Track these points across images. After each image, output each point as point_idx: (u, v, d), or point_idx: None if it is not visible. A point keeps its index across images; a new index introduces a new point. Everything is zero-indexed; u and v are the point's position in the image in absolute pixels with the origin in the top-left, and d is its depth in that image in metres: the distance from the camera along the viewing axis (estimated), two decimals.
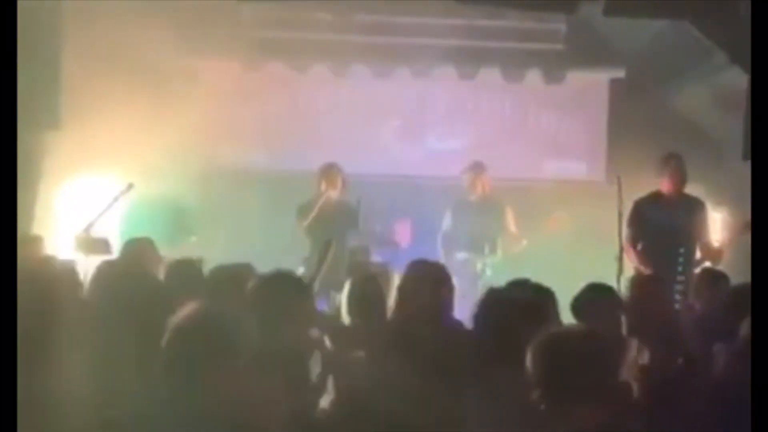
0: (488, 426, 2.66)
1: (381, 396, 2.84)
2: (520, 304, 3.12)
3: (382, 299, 4.13)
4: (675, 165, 6.24)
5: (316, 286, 4.63)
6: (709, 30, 6.54)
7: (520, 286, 3.41)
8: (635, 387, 2.73)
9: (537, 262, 6.69)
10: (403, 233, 8.21)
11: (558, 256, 7.26)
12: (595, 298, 4.08)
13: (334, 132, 8.54)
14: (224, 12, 7.72)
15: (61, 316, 2.99)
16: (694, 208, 6.30)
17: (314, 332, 3.77)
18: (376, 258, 6.92)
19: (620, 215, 5.98)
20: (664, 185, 6.25)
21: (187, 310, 2.47)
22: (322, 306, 4.69)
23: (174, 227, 6.69)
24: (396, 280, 5.00)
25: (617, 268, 5.80)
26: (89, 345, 2.92)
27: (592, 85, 8.84)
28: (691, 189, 6.42)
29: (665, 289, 5.26)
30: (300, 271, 6.51)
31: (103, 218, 6.25)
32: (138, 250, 5.32)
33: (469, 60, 8.43)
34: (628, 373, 2.55)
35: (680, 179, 6.23)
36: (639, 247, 6.18)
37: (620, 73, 8.59)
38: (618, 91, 8.66)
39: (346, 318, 4.12)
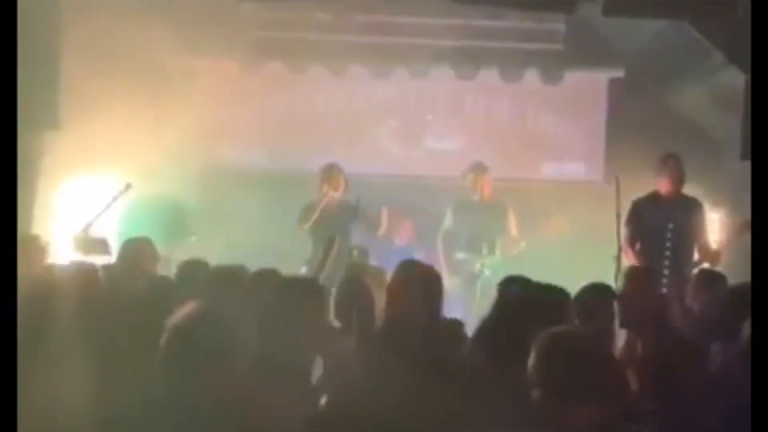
0: (496, 427, 2.67)
1: (371, 397, 2.85)
2: (536, 304, 3.13)
3: (367, 301, 4.12)
4: (673, 165, 6.25)
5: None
6: (708, 30, 6.54)
7: (538, 286, 3.42)
8: (634, 385, 2.73)
9: (535, 262, 6.68)
10: (401, 233, 8.21)
11: (556, 256, 7.26)
12: (594, 298, 4.08)
13: (333, 132, 8.55)
14: (223, 12, 7.72)
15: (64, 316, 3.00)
16: (692, 208, 6.31)
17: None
18: (375, 258, 6.91)
19: (618, 216, 5.98)
20: (662, 185, 6.25)
21: (185, 310, 2.47)
22: None
23: (173, 227, 6.68)
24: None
25: (615, 268, 5.80)
26: (90, 344, 2.92)
27: (590, 85, 8.84)
28: (690, 189, 6.43)
29: (658, 281, 5.29)
30: (302, 271, 6.53)
31: (102, 218, 6.25)
32: (137, 250, 5.32)
33: (468, 60, 8.43)
34: (627, 372, 2.55)
35: (678, 179, 6.23)
36: (637, 247, 6.19)
37: (619, 73, 8.60)
38: (617, 92, 8.67)
39: (334, 320, 4.12)
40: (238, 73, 8.38)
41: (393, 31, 8.39)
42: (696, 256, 6.22)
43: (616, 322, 4.07)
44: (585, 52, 8.40)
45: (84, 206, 6.71)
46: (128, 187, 6.44)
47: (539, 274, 4.68)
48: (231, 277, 4.15)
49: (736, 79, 6.33)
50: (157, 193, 6.88)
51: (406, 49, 8.30)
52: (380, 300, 4.01)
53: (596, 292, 4.17)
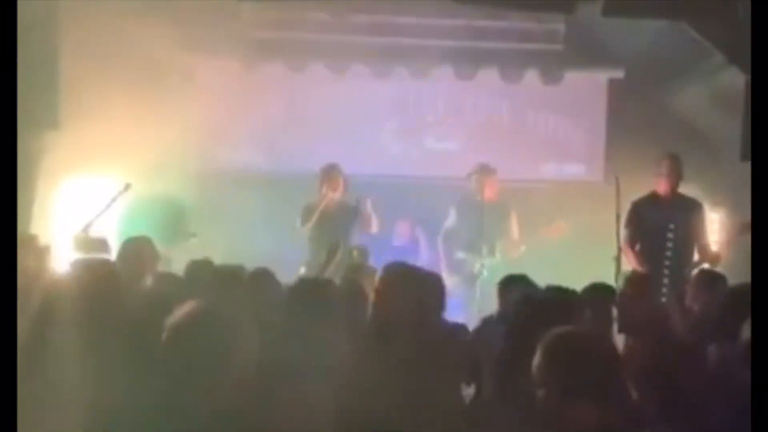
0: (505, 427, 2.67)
1: (363, 398, 2.85)
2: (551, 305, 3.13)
3: (363, 303, 4.12)
4: (671, 165, 6.25)
5: None
6: (708, 31, 6.55)
7: (553, 288, 3.42)
8: (636, 386, 2.73)
9: (535, 262, 6.68)
10: (401, 233, 8.22)
11: (556, 257, 7.26)
12: (596, 298, 4.09)
13: (332, 132, 8.54)
14: (223, 11, 7.71)
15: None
16: (691, 208, 6.31)
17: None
18: (375, 259, 6.91)
19: (618, 216, 5.98)
20: (660, 185, 6.26)
21: (184, 309, 2.47)
22: None
23: (172, 227, 6.68)
24: None
25: (615, 268, 5.80)
26: (90, 344, 2.91)
27: (590, 85, 8.85)
28: (690, 189, 6.43)
29: (657, 283, 5.30)
30: (301, 272, 6.53)
31: (102, 218, 6.25)
32: (137, 249, 5.32)
33: (468, 60, 8.44)
34: (629, 373, 2.56)
35: (676, 179, 6.24)
36: (637, 248, 6.19)
37: (619, 74, 8.60)
38: (616, 92, 8.67)
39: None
40: (238, 73, 8.38)
41: (393, 32, 8.39)
42: (696, 257, 6.22)
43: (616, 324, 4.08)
44: (585, 52, 8.41)
45: (83, 206, 6.71)
46: (128, 187, 6.44)
47: (539, 274, 4.70)
48: (230, 276, 4.16)
49: (736, 80, 6.33)
50: (157, 193, 6.88)
51: (406, 49, 8.31)
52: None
53: (598, 292, 4.17)
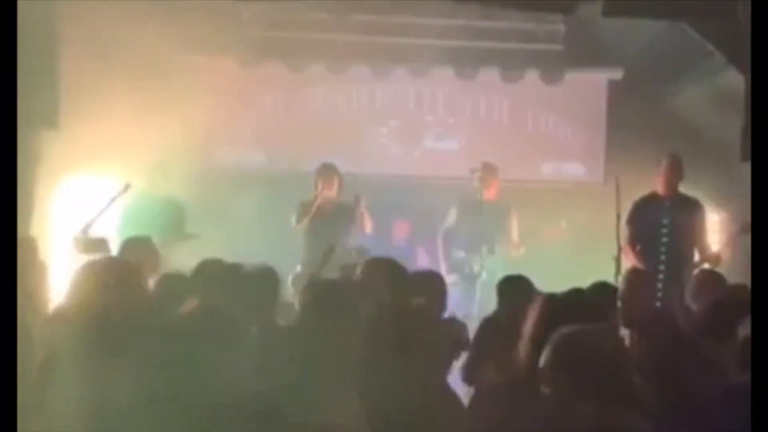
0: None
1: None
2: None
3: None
4: (671, 164, 6.26)
5: None
6: (707, 31, 6.55)
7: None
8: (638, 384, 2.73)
9: (535, 262, 6.69)
10: (400, 233, 8.22)
11: (556, 257, 7.27)
12: (599, 297, 4.08)
13: (332, 131, 8.54)
14: (223, 11, 7.71)
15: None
16: (690, 208, 6.32)
17: None
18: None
19: (618, 216, 5.99)
20: (660, 185, 6.26)
21: (185, 308, 2.47)
22: None
23: (172, 227, 6.68)
24: None
25: (615, 268, 5.80)
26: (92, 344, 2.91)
27: (590, 85, 8.85)
28: (689, 189, 6.43)
29: (653, 283, 5.31)
30: (297, 270, 6.53)
31: (101, 218, 6.25)
32: (137, 249, 5.32)
33: (468, 60, 8.44)
34: (632, 371, 2.56)
35: (677, 179, 6.25)
36: (638, 247, 6.19)
37: (619, 74, 8.60)
38: (616, 92, 8.67)
39: None
40: (237, 73, 8.38)
41: (393, 31, 8.39)
42: (696, 257, 6.22)
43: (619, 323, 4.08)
44: (585, 52, 8.41)
45: (83, 206, 6.71)
46: (127, 187, 6.44)
47: (538, 274, 4.70)
48: (229, 275, 4.15)
49: (736, 80, 6.33)
50: (156, 193, 6.88)
51: (406, 49, 8.31)
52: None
53: (601, 291, 4.18)
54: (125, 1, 6.56)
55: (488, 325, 4.39)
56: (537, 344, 2.80)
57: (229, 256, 4.43)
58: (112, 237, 6.34)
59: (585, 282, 4.34)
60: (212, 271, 4.24)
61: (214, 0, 7.44)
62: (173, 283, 4.20)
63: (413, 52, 8.25)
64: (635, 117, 8.07)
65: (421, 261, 7.36)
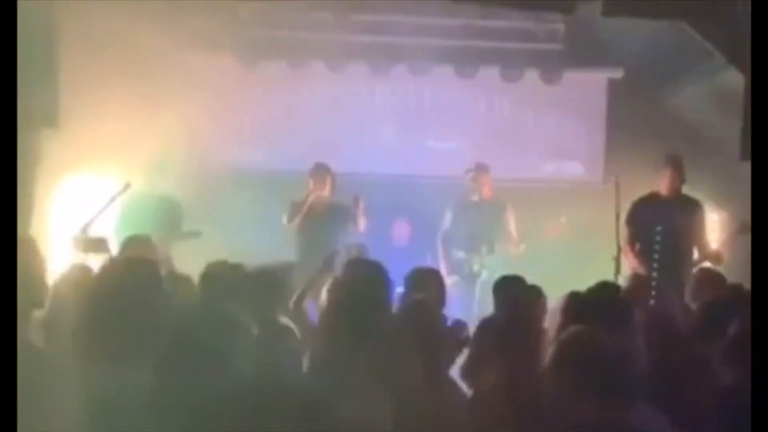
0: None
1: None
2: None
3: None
4: (674, 166, 6.26)
5: (312, 292, 4.62)
6: (707, 30, 6.55)
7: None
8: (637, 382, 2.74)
9: (534, 262, 6.69)
10: (400, 233, 8.21)
11: (556, 257, 7.27)
12: (602, 297, 4.08)
13: (332, 131, 8.53)
14: (222, 10, 7.71)
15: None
16: (689, 208, 6.32)
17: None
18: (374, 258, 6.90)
19: (618, 216, 5.99)
20: (662, 186, 6.26)
21: (186, 308, 2.47)
22: (311, 308, 4.67)
23: (168, 225, 6.67)
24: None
25: (614, 268, 5.81)
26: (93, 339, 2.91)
27: (590, 85, 8.85)
28: (689, 190, 6.44)
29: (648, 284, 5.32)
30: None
31: (101, 217, 6.25)
32: (136, 248, 5.32)
33: (468, 59, 8.44)
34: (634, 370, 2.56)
35: (679, 180, 6.25)
36: (637, 247, 6.20)
37: (618, 74, 8.61)
38: (616, 92, 8.67)
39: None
40: (237, 72, 8.38)
41: (393, 31, 8.39)
42: (696, 256, 6.23)
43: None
44: (585, 52, 8.41)
45: (83, 205, 6.71)
46: (127, 186, 6.44)
47: (538, 274, 4.70)
48: (228, 275, 4.15)
49: (736, 80, 6.33)
50: (155, 192, 6.88)
51: (406, 48, 8.31)
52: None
53: (604, 291, 4.17)
54: (125, 1, 6.56)
55: (486, 326, 4.38)
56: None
57: (227, 255, 4.43)
58: (110, 235, 6.35)
59: (585, 281, 4.35)
60: (215, 271, 4.25)
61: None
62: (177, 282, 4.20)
63: (413, 51, 8.25)
64: (635, 116, 8.07)
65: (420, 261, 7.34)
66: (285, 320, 4.05)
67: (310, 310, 4.53)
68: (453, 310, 5.02)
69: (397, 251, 7.78)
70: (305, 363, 3.36)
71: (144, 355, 2.71)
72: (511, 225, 7.43)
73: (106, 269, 3.24)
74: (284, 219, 6.96)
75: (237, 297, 3.78)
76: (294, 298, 4.37)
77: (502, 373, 3.26)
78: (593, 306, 3.20)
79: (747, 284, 3.72)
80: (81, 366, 2.82)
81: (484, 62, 8.48)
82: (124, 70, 6.89)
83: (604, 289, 3.53)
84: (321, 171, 6.99)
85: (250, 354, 2.86)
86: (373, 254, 6.54)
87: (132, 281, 3.06)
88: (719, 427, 2.98)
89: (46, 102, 6.35)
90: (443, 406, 2.96)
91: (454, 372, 3.63)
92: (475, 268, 7.22)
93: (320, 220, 6.79)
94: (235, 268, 4.14)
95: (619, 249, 5.93)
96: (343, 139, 8.45)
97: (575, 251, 7.35)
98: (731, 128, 6.31)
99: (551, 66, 8.56)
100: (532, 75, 8.59)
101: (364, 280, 3.76)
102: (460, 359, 3.72)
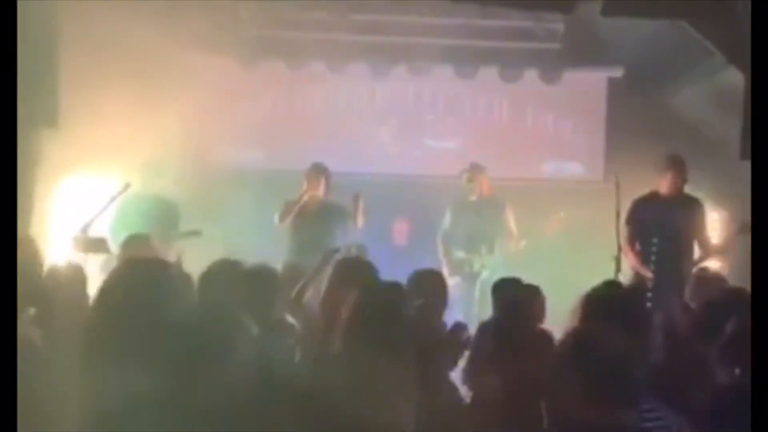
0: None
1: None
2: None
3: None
4: (676, 167, 6.26)
5: (309, 289, 4.63)
6: (707, 30, 6.55)
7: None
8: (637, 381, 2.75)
9: (535, 261, 6.70)
10: (400, 232, 8.22)
11: (556, 256, 7.27)
12: (607, 296, 4.08)
13: (332, 130, 8.54)
14: (222, 10, 7.71)
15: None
16: (692, 207, 6.32)
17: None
18: (375, 258, 6.89)
19: (618, 215, 5.99)
20: (664, 185, 6.26)
21: (186, 308, 2.48)
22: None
23: (167, 225, 6.67)
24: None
25: (615, 267, 5.81)
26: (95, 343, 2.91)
27: (590, 84, 8.85)
28: (689, 188, 6.43)
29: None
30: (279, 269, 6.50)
31: (101, 217, 6.25)
32: (136, 247, 5.32)
33: (467, 59, 8.44)
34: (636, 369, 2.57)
35: (681, 180, 6.26)
36: (637, 246, 6.20)
37: (618, 73, 8.61)
38: (616, 91, 8.67)
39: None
40: (237, 71, 8.38)
41: (392, 30, 8.39)
42: (697, 255, 6.23)
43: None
44: (584, 51, 8.41)
45: (83, 205, 6.71)
46: (127, 186, 6.44)
47: (539, 273, 4.70)
48: (230, 274, 4.15)
49: (736, 79, 6.33)
50: (154, 192, 6.89)
51: (405, 48, 8.31)
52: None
53: (609, 289, 4.17)
54: (124, 1, 6.56)
55: (485, 329, 4.38)
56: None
57: (227, 254, 4.43)
58: (109, 235, 6.36)
59: (585, 281, 4.35)
60: (213, 269, 4.25)
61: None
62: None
63: (413, 51, 8.25)
64: (635, 116, 8.06)
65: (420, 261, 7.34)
66: (286, 318, 4.06)
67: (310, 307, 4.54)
68: (454, 311, 5.03)
69: (397, 251, 7.78)
70: (306, 359, 3.38)
71: (153, 355, 2.70)
72: (511, 223, 7.43)
73: (121, 269, 3.19)
74: (276, 218, 6.95)
75: (236, 296, 3.78)
76: (293, 294, 4.37)
77: (502, 375, 3.27)
78: (606, 305, 3.19)
79: (747, 284, 3.72)
80: (86, 366, 2.82)
81: (483, 62, 8.49)
82: (124, 70, 6.89)
83: (616, 287, 3.52)
84: (315, 171, 6.97)
85: (250, 353, 2.86)
86: (372, 254, 6.55)
87: (147, 282, 3.04)
88: (719, 427, 2.97)
89: (46, 102, 6.35)
90: (444, 408, 2.96)
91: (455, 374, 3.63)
92: (476, 267, 7.21)
93: (313, 220, 6.78)
94: (234, 267, 4.14)
95: (620, 248, 5.93)
96: (342, 139, 8.45)
97: (575, 251, 7.35)
98: (731, 127, 6.31)
99: (551, 65, 8.56)
100: (531, 75, 8.60)
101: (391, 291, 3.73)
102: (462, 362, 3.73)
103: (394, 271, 4.47)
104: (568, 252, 7.39)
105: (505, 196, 7.54)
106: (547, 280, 4.67)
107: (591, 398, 2.37)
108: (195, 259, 4.66)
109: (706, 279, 5.36)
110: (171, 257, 5.53)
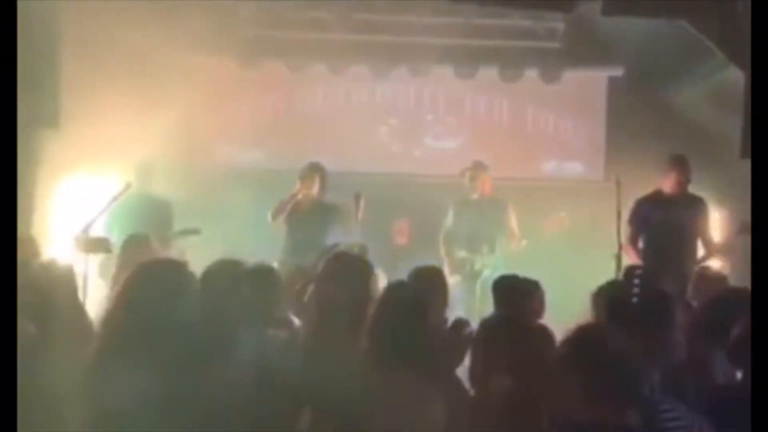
0: None
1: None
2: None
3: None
4: (681, 167, 6.27)
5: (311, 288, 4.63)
6: (707, 29, 6.55)
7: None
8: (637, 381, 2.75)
9: (536, 260, 6.68)
10: (400, 232, 8.22)
11: (557, 255, 7.26)
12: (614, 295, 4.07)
13: (332, 130, 8.54)
14: (222, 10, 7.71)
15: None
16: (695, 206, 6.33)
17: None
18: (375, 258, 6.89)
19: (619, 214, 5.99)
20: (668, 185, 6.27)
21: (188, 309, 2.48)
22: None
23: (161, 225, 6.67)
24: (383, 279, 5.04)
25: (615, 265, 5.81)
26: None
27: (590, 83, 8.85)
28: (689, 187, 6.43)
29: (657, 279, 5.30)
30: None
31: (102, 217, 6.26)
32: (137, 247, 5.33)
33: (467, 59, 8.44)
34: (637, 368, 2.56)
35: (685, 180, 6.27)
36: (640, 245, 6.20)
37: (618, 72, 8.60)
38: (616, 90, 8.66)
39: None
40: (237, 72, 8.38)
41: (392, 30, 8.38)
42: (701, 253, 6.24)
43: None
44: (584, 50, 8.40)
45: (83, 204, 6.72)
46: (128, 186, 6.44)
47: (540, 272, 4.70)
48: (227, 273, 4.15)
49: (736, 78, 6.33)
50: (151, 191, 6.89)
51: (405, 48, 8.30)
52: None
53: (613, 289, 4.16)
54: (124, 2, 6.57)
55: (486, 325, 4.39)
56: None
57: (227, 254, 4.42)
58: (110, 235, 6.36)
59: (586, 279, 4.35)
60: (213, 269, 4.24)
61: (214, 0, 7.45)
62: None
63: (412, 51, 8.25)
64: (635, 115, 8.06)
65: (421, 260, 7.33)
66: (289, 316, 4.07)
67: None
68: (455, 310, 5.03)
69: (397, 250, 7.78)
70: (310, 356, 3.37)
71: (159, 355, 2.70)
72: (513, 223, 7.42)
73: (141, 271, 3.17)
74: (268, 216, 6.95)
75: (237, 295, 3.78)
76: (296, 292, 4.37)
77: (504, 372, 3.26)
78: (625, 304, 3.19)
79: (747, 283, 3.72)
80: (100, 366, 2.81)
81: (483, 62, 8.48)
82: (125, 70, 6.90)
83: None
84: (310, 170, 6.96)
85: (254, 352, 2.87)
86: (372, 253, 6.54)
87: (171, 283, 3.02)
88: (718, 427, 2.97)
89: (46, 103, 6.37)
90: (449, 406, 2.96)
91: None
92: (477, 267, 7.21)
93: (307, 219, 6.78)
94: (235, 266, 4.14)
95: (620, 247, 5.93)
96: (342, 139, 8.45)
97: (576, 250, 7.34)
98: (731, 126, 6.32)
99: (551, 65, 8.55)
100: (531, 74, 8.59)
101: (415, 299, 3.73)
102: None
103: (395, 270, 4.47)
104: (569, 251, 7.38)
105: (505, 196, 7.54)
106: (548, 278, 4.66)
107: (594, 397, 2.37)
108: (195, 259, 4.65)
109: (708, 278, 5.35)
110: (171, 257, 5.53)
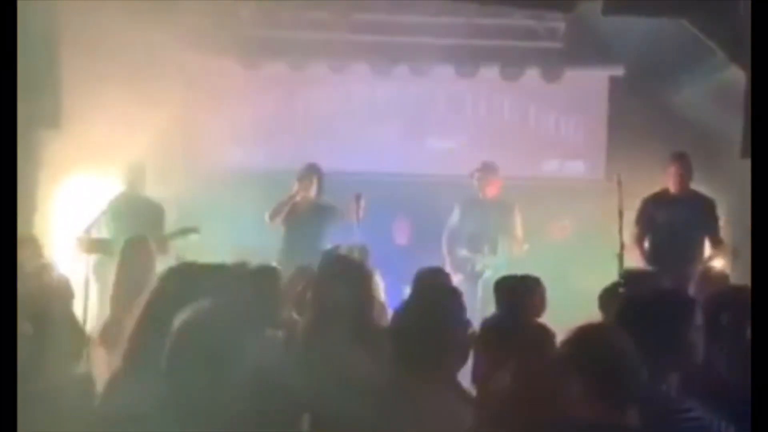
0: None
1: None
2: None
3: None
4: (682, 163, 6.27)
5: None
6: (708, 28, 6.54)
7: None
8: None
9: (537, 261, 6.68)
10: (401, 232, 8.21)
11: (558, 255, 7.26)
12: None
13: (332, 130, 8.54)
14: (223, 10, 7.72)
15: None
16: (702, 204, 6.33)
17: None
18: (375, 258, 6.89)
19: (621, 213, 5.98)
20: (670, 181, 6.27)
21: (190, 310, 2.47)
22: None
23: (152, 226, 6.67)
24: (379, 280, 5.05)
25: (617, 265, 5.80)
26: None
27: (591, 83, 8.84)
28: (690, 186, 6.43)
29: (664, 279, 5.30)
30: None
31: (103, 218, 6.27)
32: (137, 248, 5.32)
33: (468, 58, 8.44)
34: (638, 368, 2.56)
35: (687, 177, 6.27)
36: (645, 244, 6.20)
37: (619, 71, 8.60)
38: (617, 89, 8.66)
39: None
40: (238, 72, 8.39)
41: (394, 30, 8.39)
42: (708, 252, 6.24)
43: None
44: (585, 49, 8.40)
45: (84, 205, 6.72)
46: (130, 187, 6.46)
47: (541, 273, 4.70)
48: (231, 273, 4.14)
49: (737, 77, 6.33)
50: (149, 191, 6.89)
51: (407, 47, 8.31)
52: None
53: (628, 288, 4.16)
54: (125, 2, 6.57)
55: (487, 325, 4.39)
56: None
57: (229, 254, 4.44)
58: (110, 235, 6.36)
59: (588, 279, 4.35)
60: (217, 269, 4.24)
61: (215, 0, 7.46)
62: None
63: (414, 50, 8.25)
64: (636, 114, 8.06)
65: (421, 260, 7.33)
66: (293, 317, 4.07)
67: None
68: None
69: (398, 250, 7.78)
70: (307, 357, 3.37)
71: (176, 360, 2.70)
72: (518, 227, 7.42)
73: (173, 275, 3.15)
74: (266, 217, 6.95)
75: (240, 296, 3.78)
76: (298, 292, 4.37)
77: (505, 371, 3.25)
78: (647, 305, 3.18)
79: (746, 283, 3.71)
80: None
81: (484, 61, 8.48)
82: (126, 70, 6.90)
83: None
84: (307, 172, 6.97)
85: (253, 355, 2.86)
86: (373, 253, 6.54)
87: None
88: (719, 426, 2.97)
89: (47, 103, 6.37)
90: (449, 407, 2.95)
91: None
92: (478, 267, 7.21)
93: (304, 221, 6.79)
94: (236, 266, 4.14)
95: (622, 246, 5.92)
96: (343, 139, 8.45)
97: (578, 249, 7.35)
98: (732, 126, 6.32)
99: (552, 64, 8.55)
100: (532, 73, 8.59)
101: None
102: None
103: (396, 270, 4.48)
104: (571, 251, 7.38)
105: (506, 195, 7.53)
106: (550, 279, 4.66)
107: (596, 396, 2.37)
108: (195, 260, 4.66)
109: (710, 277, 5.35)
110: (171, 257, 5.54)
